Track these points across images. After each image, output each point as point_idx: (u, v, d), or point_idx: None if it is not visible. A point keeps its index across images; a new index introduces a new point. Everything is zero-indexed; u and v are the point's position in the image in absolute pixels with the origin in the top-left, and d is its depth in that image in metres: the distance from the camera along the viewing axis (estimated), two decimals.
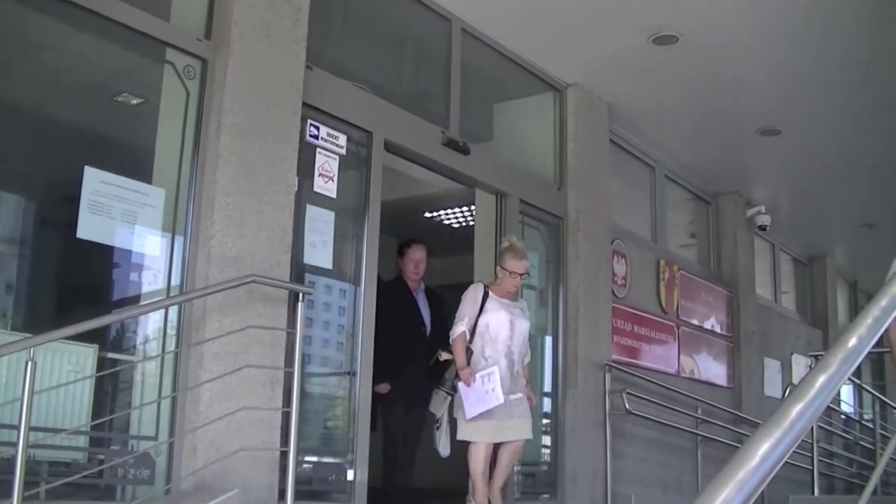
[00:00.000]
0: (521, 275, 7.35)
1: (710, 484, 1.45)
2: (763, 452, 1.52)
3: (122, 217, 5.49)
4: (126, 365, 5.60)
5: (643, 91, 10.02)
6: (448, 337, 7.36)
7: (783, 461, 1.58)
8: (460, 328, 7.20)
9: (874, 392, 12.72)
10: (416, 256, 8.27)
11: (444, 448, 7.50)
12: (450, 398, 7.43)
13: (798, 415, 1.67)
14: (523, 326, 7.38)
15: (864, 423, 15.18)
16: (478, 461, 7.06)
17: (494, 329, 7.21)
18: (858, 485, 13.51)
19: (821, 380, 1.81)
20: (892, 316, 2.34)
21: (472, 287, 7.48)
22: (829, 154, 11.65)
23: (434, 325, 8.26)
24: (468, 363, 7.10)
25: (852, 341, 2.00)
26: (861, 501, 2.61)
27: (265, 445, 5.74)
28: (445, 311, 8.29)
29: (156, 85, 6.04)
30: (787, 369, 14.97)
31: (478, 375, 7.01)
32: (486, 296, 7.33)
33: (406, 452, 8.13)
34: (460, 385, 7.07)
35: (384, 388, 7.75)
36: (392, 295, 8.00)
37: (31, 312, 5.42)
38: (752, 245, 14.11)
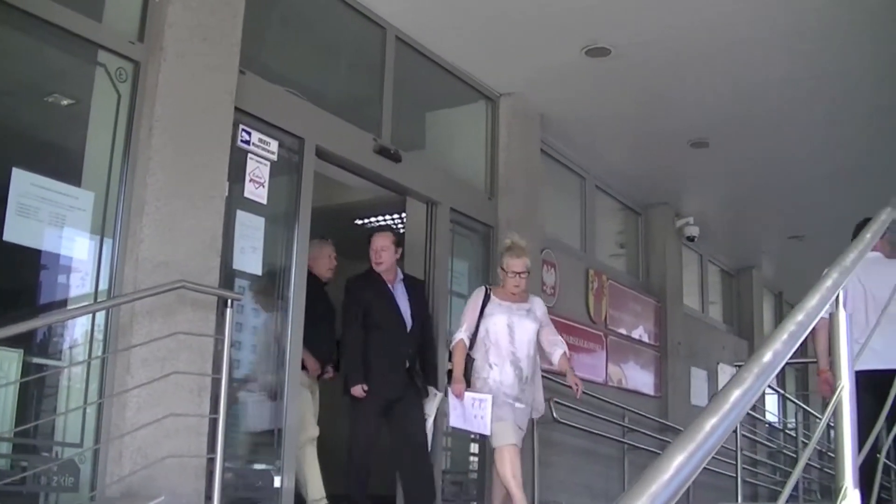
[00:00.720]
0: (519, 273, 7.05)
1: (622, 497, 1.49)
2: (676, 465, 1.56)
3: (50, 220, 5.42)
4: (52, 370, 5.53)
5: (575, 102, 10.10)
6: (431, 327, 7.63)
7: (696, 474, 1.62)
8: (458, 336, 7.06)
9: (797, 402, 12.93)
10: (376, 245, 7.64)
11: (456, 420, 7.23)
12: (440, 395, 7.45)
13: (712, 428, 1.70)
14: (527, 328, 7.07)
15: (787, 432, 15.42)
16: (503, 464, 6.76)
17: (494, 334, 7.00)
18: (781, 492, 13.68)
19: (735, 394, 1.85)
20: (810, 328, 2.40)
21: (474, 292, 7.34)
22: (757, 166, 11.82)
23: (416, 316, 7.73)
24: (471, 369, 6.95)
25: (767, 356, 2.05)
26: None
27: (192, 452, 5.70)
28: (427, 299, 8.17)
29: (87, 87, 5.98)
30: (713, 379, 15.16)
31: (468, 395, 6.83)
32: (487, 299, 7.12)
33: (416, 459, 7.55)
34: (450, 393, 6.96)
35: (358, 390, 7.26)
36: (365, 289, 7.67)
37: None
38: (681, 256, 14.28)
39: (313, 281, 7.43)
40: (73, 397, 5.54)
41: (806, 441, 11.31)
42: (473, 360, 6.99)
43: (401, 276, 7.85)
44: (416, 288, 7.98)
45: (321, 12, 8.05)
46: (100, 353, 5.62)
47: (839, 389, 2.60)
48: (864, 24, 8.15)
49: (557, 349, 7.21)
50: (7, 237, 5.21)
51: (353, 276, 7.78)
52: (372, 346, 7.44)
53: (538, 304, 7.31)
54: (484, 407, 6.74)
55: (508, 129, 9.79)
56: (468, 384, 6.93)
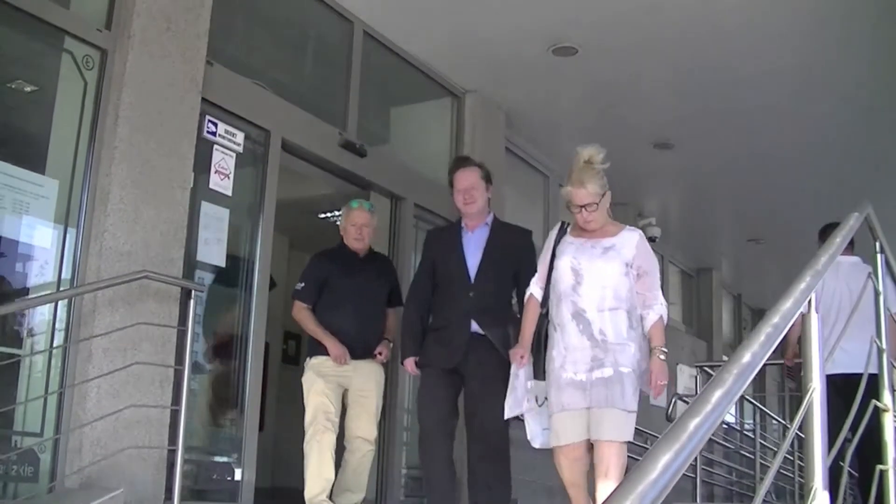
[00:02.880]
0: (584, 207, 5.29)
1: (611, 496, 1.49)
2: (663, 465, 1.57)
3: (12, 207, 5.37)
4: (12, 359, 5.46)
5: (541, 101, 10.11)
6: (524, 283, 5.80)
7: (681, 473, 1.63)
8: (529, 290, 5.55)
9: (755, 403, 13.03)
10: (464, 183, 6.35)
11: (534, 438, 5.53)
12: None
13: (696, 428, 1.72)
14: (601, 271, 5.19)
15: (744, 432, 15.55)
16: (559, 468, 5.29)
17: (558, 283, 5.29)
18: (737, 492, 13.82)
19: (717, 394, 1.87)
20: (786, 330, 2.42)
21: (551, 230, 5.68)
22: (719, 170, 11.89)
23: (484, 267, 6.23)
24: (545, 331, 5.39)
25: (746, 357, 2.07)
26: None
27: (153, 444, 5.67)
28: (525, 250, 6.41)
29: (52, 73, 5.92)
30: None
31: (532, 384, 5.45)
32: (561, 237, 5.48)
33: (486, 455, 6.20)
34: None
35: (408, 364, 6.30)
36: (435, 242, 6.68)
37: None
38: None
39: (345, 254, 6.95)
40: (33, 386, 5.49)
41: (764, 443, 11.43)
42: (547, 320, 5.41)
43: (488, 220, 6.48)
44: (506, 235, 6.49)
45: (289, 5, 8.02)
46: (61, 343, 5.57)
47: (810, 391, 2.62)
48: (834, 26, 8.21)
49: (650, 312, 5.33)
50: None
51: (431, 228, 7.38)
52: (434, 308, 6.37)
53: (629, 239, 5.39)
54: (532, 411, 5.45)
55: (473, 126, 9.78)
56: (544, 350, 5.37)
